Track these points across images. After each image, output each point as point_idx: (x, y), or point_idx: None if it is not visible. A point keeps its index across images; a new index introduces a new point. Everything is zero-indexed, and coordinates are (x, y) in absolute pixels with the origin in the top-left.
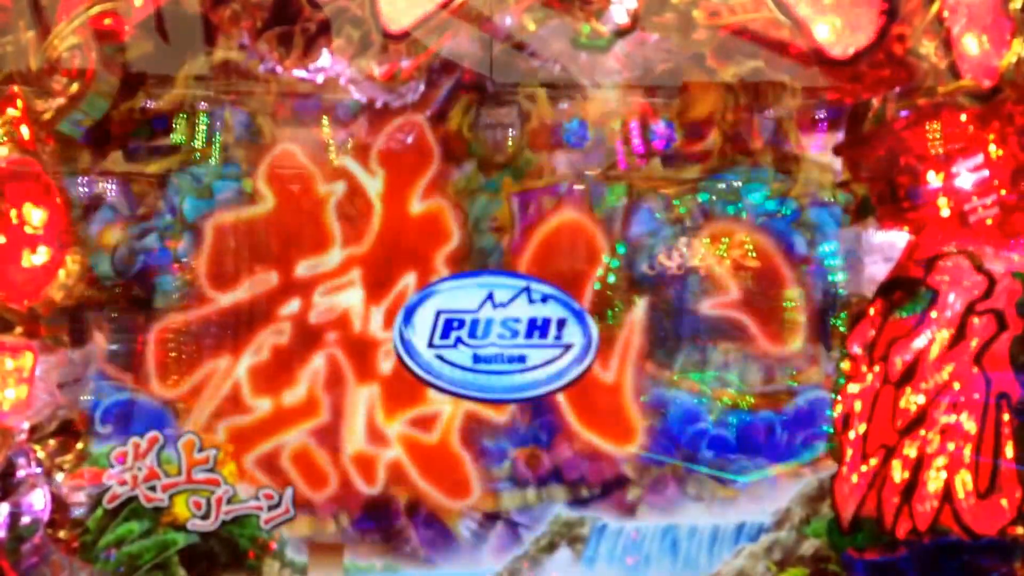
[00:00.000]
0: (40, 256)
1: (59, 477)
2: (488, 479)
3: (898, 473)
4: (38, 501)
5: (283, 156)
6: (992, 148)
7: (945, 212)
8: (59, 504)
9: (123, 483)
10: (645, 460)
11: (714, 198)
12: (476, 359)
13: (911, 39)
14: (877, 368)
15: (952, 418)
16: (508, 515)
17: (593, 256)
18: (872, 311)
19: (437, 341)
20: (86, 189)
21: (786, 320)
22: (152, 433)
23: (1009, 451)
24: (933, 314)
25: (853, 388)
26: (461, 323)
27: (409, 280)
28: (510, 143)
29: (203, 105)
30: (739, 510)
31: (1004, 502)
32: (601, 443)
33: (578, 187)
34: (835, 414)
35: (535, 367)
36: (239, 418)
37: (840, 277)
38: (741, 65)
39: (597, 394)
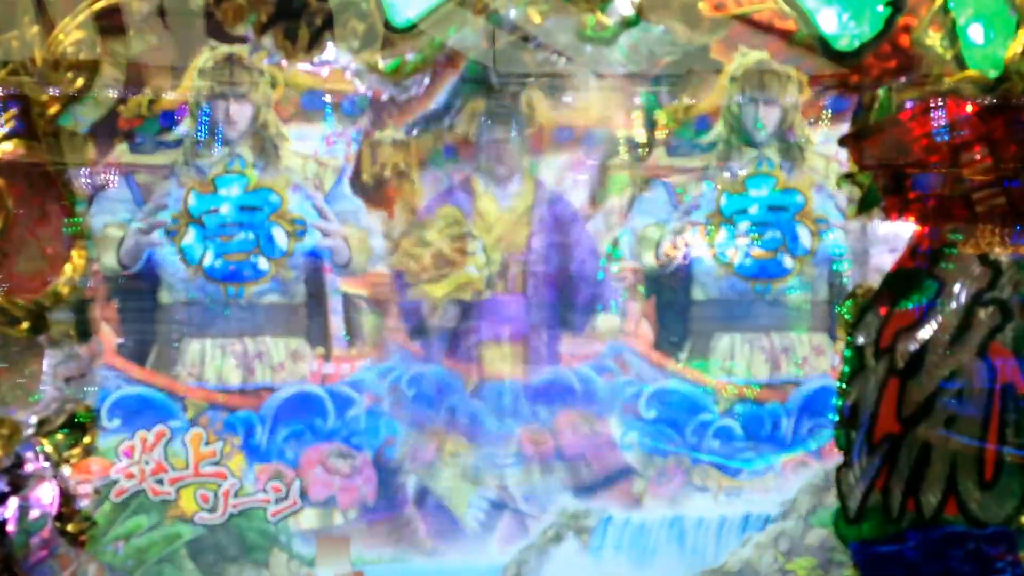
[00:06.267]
0: (45, 250)
1: (66, 471)
2: None
3: (904, 463)
4: (46, 495)
5: None
6: (998, 139)
7: (950, 202)
8: (67, 498)
9: (130, 477)
10: (651, 451)
11: (719, 188)
12: None
13: (917, 29)
14: (883, 358)
15: (957, 408)
16: (515, 504)
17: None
18: (877, 301)
19: None
20: (91, 182)
21: (792, 310)
22: (159, 427)
23: (1014, 440)
24: (938, 304)
25: (859, 378)
26: None
27: None
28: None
29: (208, 99)
30: (745, 500)
31: (1009, 491)
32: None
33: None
34: (841, 404)
35: None
36: None
37: (845, 268)
38: (746, 56)
39: None
